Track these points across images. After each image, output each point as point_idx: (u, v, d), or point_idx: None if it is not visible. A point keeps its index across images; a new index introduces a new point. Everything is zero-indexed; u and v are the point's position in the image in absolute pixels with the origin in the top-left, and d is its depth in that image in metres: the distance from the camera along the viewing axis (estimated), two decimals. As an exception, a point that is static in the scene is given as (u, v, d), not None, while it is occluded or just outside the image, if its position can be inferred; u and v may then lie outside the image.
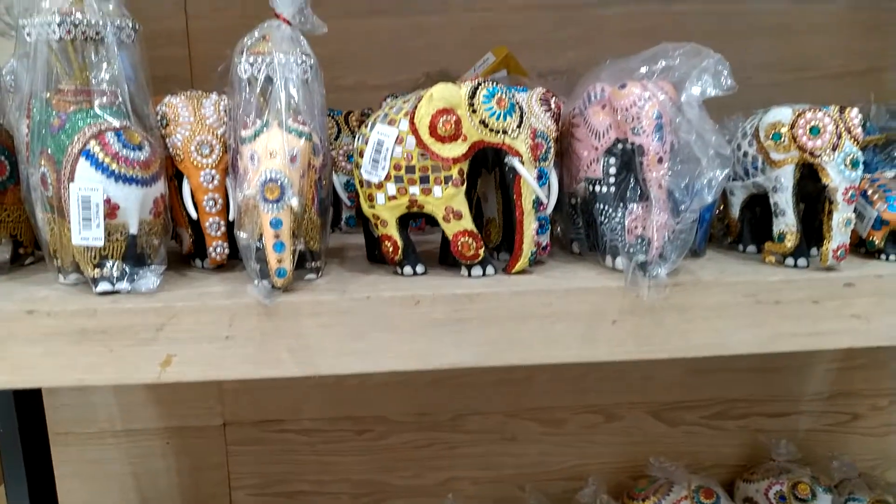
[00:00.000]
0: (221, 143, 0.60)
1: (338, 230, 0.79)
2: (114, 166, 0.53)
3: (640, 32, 1.06)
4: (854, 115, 0.61)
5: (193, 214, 0.61)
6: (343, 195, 0.77)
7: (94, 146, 0.53)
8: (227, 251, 0.61)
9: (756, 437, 1.19)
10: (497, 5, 1.04)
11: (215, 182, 0.60)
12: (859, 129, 0.61)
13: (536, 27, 1.05)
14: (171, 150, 0.60)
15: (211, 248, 0.61)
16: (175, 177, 0.61)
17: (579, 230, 0.67)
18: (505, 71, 0.80)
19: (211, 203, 0.60)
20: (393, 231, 0.60)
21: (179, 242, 0.65)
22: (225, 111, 0.61)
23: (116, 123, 0.54)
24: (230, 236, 0.61)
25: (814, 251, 0.66)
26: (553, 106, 0.65)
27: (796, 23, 1.09)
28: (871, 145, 0.80)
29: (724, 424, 1.19)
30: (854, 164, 0.60)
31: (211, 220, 0.60)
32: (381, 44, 1.03)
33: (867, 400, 1.23)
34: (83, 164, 0.53)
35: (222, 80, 0.61)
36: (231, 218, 0.60)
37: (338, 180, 0.76)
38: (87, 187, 0.53)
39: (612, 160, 0.60)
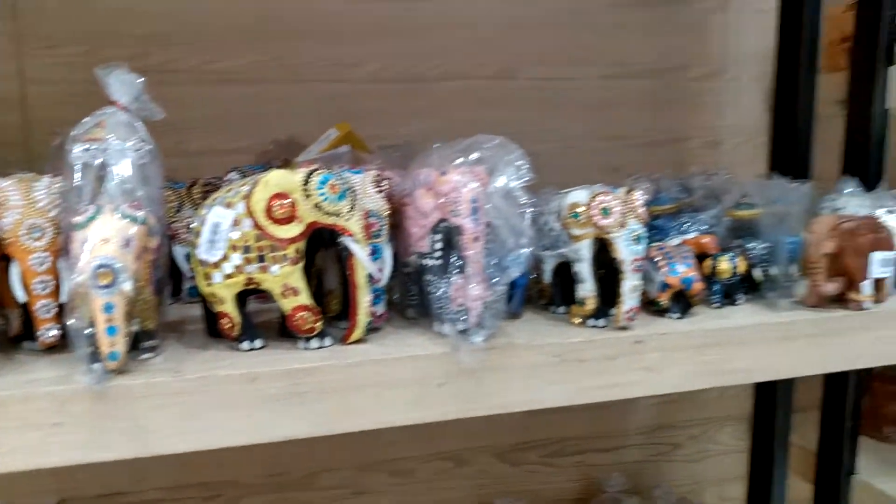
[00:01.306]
0: (54, 225, 0.60)
1: (179, 301, 0.80)
2: (-68, 255, 0.52)
3: (481, 103, 1.17)
4: (637, 196, 0.72)
5: (22, 298, 0.60)
6: (184, 267, 0.78)
7: None
8: (59, 333, 0.61)
9: (590, 472, 1.30)
10: (348, 77, 1.10)
11: (46, 265, 0.60)
12: (642, 210, 0.72)
13: (385, 98, 1.12)
14: (-2, 233, 0.59)
15: (42, 331, 0.60)
16: (2, 258, 0.61)
17: (413, 297, 0.73)
18: (348, 146, 0.84)
19: (41, 286, 0.60)
20: (230, 308, 0.63)
21: (7, 323, 0.64)
22: (58, 193, 0.61)
23: (-64, 211, 0.54)
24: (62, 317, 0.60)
25: (614, 310, 0.76)
26: (386, 186, 0.71)
27: (614, 96, 1.24)
28: (664, 214, 0.93)
29: (561, 461, 1.29)
30: (638, 240, 0.70)
31: (41, 302, 0.60)
32: (230, 110, 1.05)
33: (685, 430, 1.38)
34: None
35: (58, 154, 0.62)
36: (62, 301, 0.60)
37: (180, 252, 0.78)
38: None
39: (437, 237, 0.67)
